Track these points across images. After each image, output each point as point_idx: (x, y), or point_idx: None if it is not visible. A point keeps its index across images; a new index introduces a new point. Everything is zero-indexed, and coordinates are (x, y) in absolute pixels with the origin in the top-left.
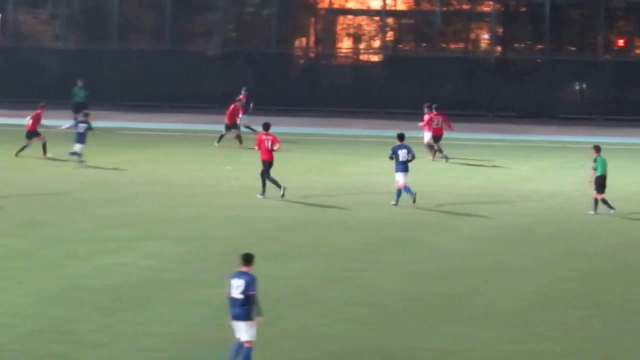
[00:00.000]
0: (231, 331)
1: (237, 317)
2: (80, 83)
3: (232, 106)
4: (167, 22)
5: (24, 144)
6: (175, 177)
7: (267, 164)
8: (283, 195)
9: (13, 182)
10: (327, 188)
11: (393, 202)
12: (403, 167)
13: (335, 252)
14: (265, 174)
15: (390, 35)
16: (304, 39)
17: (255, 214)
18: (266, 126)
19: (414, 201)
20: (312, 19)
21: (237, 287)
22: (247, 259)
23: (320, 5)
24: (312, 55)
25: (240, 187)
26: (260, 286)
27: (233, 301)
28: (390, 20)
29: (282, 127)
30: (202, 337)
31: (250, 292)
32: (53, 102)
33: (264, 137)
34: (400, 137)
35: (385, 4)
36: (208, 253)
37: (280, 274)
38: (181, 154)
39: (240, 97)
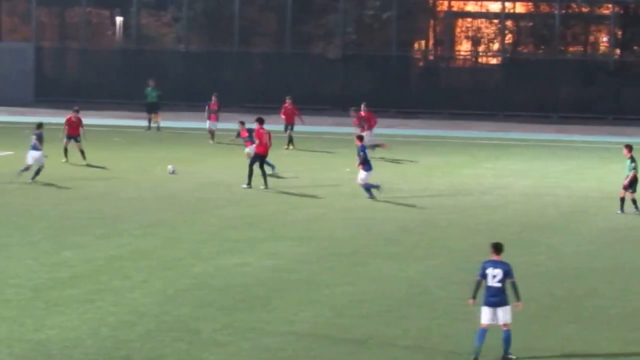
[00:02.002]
0: (478, 317)
1: (496, 304)
2: (152, 83)
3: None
4: (287, 25)
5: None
6: (296, 179)
7: (263, 157)
8: (247, 187)
9: (135, 184)
10: (445, 190)
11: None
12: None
13: (454, 253)
14: (259, 166)
15: (509, 38)
16: (423, 42)
17: (374, 215)
18: (261, 120)
19: (371, 197)
20: (432, 22)
21: (493, 276)
22: (499, 248)
23: (439, 8)
24: (431, 58)
25: (360, 188)
26: (382, 287)
27: (490, 289)
28: (509, 23)
29: (401, 129)
30: (322, 336)
31: (510, 280)
32: (175, 104)
33: (262, 131)
34: (360, 138)
35: (504, 7)
36: (328, 254)
37: (401, 274)
38: (301, 156)
39: (211, 103)
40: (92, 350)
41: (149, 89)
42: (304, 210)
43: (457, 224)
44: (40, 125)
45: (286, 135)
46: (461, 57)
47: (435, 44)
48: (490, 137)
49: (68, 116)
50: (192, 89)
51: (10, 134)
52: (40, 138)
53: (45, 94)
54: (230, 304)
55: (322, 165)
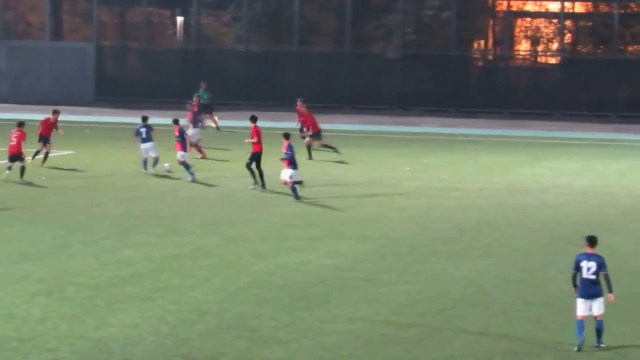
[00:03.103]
0: (574, 309)
1: (591, 295)
2: (203, 84)
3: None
4: (347, 25)
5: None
6: (355, 178)
7: (259, 155)
8: (253, 188)
9: (194, 183)
10: (503, 189)
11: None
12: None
13: (512, 252)
14: (256, 165)
15: (568, 38)
16: (482, 42)
17: (433, 214)
18: (254, 119)
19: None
20: (491, 22)
21: (588, 269)
22: (593, 241)
23: (498, 8)
24: (490, 57)
25: (419, 187)
26: (440, 286)
27: (585, 281)
28: (568, 23)
29: (459, 128)
30: (381, 334)
31: (604, 272)
32: (235, 104)
33: (257, 129)
34: (286, 136)
35: (563, 7)
36: (387, 252)
37: (459, 273)
38: (361, 155)
39: (192, 103)
40: (152, 348)
41: (201, 90)
42: (362, 209)
43: (515, 223)
44: (145, 119)
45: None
46: (520, 56)
47: (495, 44)
48: (548, 136)
49: (46, 117)
50: (251, 89)
51: (72, 133)
52: (149, 130)
53: (106, 93)
54: (290, 302)
55: (381, 163)
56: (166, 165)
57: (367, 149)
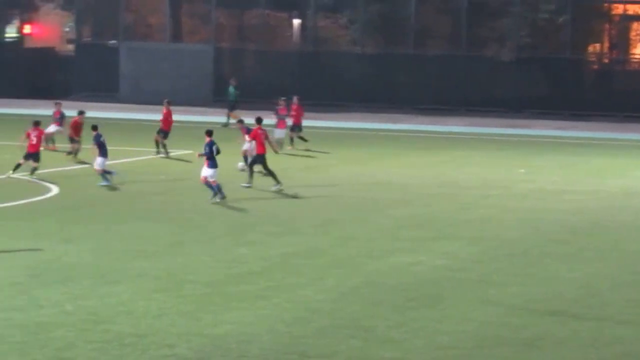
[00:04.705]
0: None
1: None
2: (233, 82)
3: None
4: (462, 28)
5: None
6: (468, 179)
7: (262, 157)
8: (276, 189)
9: (305, 184)
10: (618, 192)
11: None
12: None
13: (625, 255)
14: (263, 167)
15: None
16: (597, 45)
17: (545, 216)
18: (259, 120)
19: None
20: (606, 25)
21: None
22: None
23: (614, 12)
24: (605, 61)
25: (532, 190)
26: (553, 288)
27: None
28: None
29: (573, 131)
30: (494, 335)
31: None
32: (349, 105)
33: (260, 131)
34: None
35: None
36: (499, 254)
37: (570, 275)
38: (474, 157)
39: (279, 108)
40: (268, 346)
41: (231, 87)
42: (475, 211)
43: (629, 226)
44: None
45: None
46: (636, 60)
47: (610, 47)
48: None
49: (74, 118)
50: (367, 91)
51: (190, 133)
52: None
53: (223, 94)
54: (402, 302)
55: (494, 166)
56: (240, 164)
57: (480, 151)
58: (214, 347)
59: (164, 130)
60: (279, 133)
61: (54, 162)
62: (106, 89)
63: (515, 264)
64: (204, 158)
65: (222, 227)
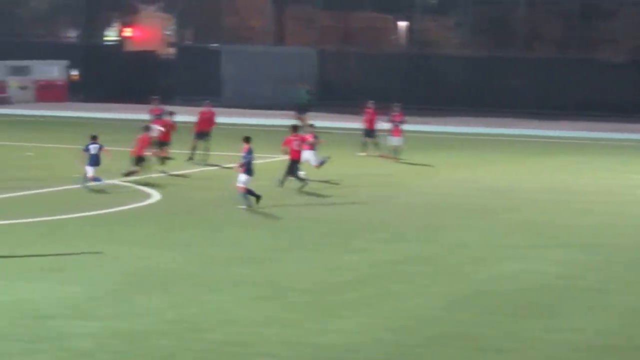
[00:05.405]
0: None
1: None
2: (302, 85)
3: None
4: (574, 31)
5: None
6: (580, 185)
7: (296, 162)
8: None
9: (411, 189)
10: None
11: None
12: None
13: None
14: (292, 172)
15: None
16: None
17: None
18: (294, 128)
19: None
20: None
21: None
22: None
23: None
24: None
25: None
26: None
27: None
28: None
29: None
30: (609, 345)
31: None
32: (457, 109)
33: (292, 137)
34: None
35: None
36: (614, 261)
37: None
38: (586, 162)
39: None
40: (374, 356)
41: (302, 90)
42: (589, 217)
43: None
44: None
45: (371, 141)
46: None
47: None
48: None
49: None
50: (473, 95)
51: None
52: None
53: (328, 97)
54: (513, 311)
55: (608, 171)
56: (301, 173)
57: (592, 156)
58: (318, 357)
59: (202, 132)
60: (395, 141)
61: (154, 168)
62: (207, 93)
63: (632, 271)
64: (240, 165)
65: (325, 234)
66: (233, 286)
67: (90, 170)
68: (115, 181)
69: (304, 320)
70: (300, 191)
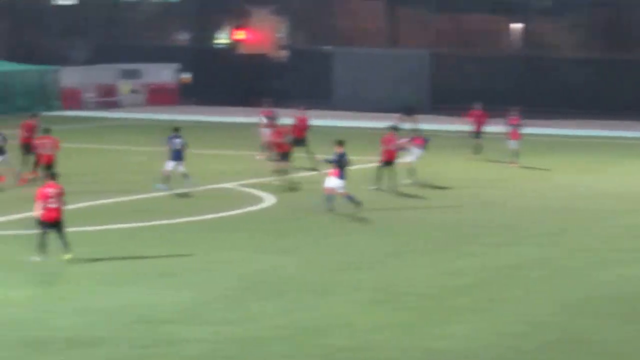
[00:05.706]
0: None
1: None
2: (408, 89)
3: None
4: None
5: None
6: None
7: (389, 163)
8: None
9: (524, 192)
10: None
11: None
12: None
13: None
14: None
15: None
16: None
17: None
18: (395, 128)
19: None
20: None
21: None
22: None
23: None
24: None
25: None
26: None
27: None
28: None
29: None
30: None
31: None
32: (573, 112)
33: (390, 137)
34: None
35: None
36: None
37: None
38: None
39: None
40: None
41: (407, 92)
42: None
43: None
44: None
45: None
46: None
47: None
48: None
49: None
50: (589, 97)
51: None
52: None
53: (442, 100)
54: (633, 316)
55: None
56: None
57: None
58: None
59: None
60: (513, 144)
61: (266, 171)
62: (320, 96)
63: None
64: (332, 167)
65: (440, 238)
66: (347, 291)
67: (171, 165)
68: (229, 184)
69: (419, 325)
70: (399, 193)
